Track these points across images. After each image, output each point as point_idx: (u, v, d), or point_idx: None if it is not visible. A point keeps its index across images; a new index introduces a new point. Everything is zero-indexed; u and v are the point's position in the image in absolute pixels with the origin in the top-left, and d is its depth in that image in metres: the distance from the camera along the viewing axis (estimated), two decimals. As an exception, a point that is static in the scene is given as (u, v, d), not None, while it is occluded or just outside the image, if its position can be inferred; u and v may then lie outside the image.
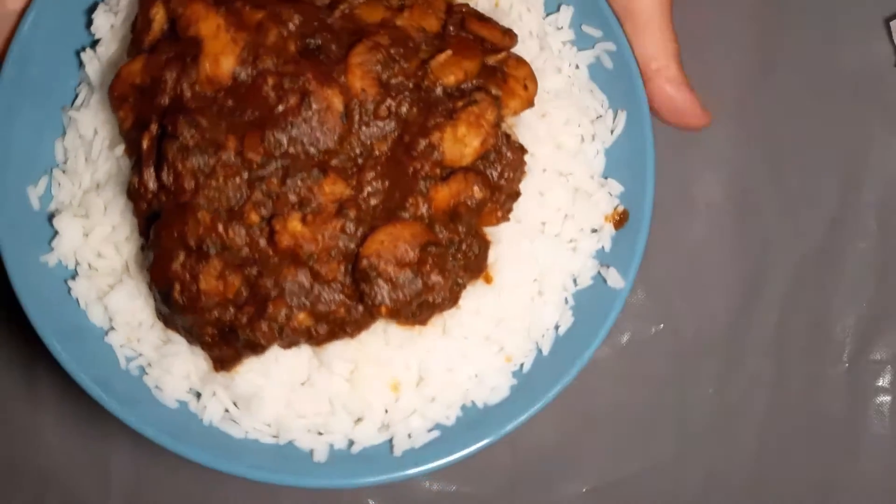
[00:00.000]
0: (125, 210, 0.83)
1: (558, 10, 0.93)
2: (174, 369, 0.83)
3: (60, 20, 0.87)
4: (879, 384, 1.10)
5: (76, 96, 0.88)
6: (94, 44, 0.87)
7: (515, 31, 0.90)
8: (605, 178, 0.92)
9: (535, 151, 0.89)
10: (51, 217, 0.85)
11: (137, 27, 0.80)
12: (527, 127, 0.89)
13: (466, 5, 0.87)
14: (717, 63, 1.14)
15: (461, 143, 0.81)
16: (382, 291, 0.78)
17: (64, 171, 0.86)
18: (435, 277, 0.79)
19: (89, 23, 0.88)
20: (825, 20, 1.13)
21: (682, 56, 1.00)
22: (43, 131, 0.87)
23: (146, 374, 0.84)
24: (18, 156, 0.86)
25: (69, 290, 0.84)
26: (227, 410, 0.84)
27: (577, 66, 0.93)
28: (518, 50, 0.89)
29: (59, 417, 1.09)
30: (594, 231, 0.91)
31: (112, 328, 0.84)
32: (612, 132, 0.92)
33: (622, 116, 0.92)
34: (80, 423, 1.09)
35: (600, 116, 0.93)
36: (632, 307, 1.13)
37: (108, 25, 0.86)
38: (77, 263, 0.85)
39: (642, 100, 0.90)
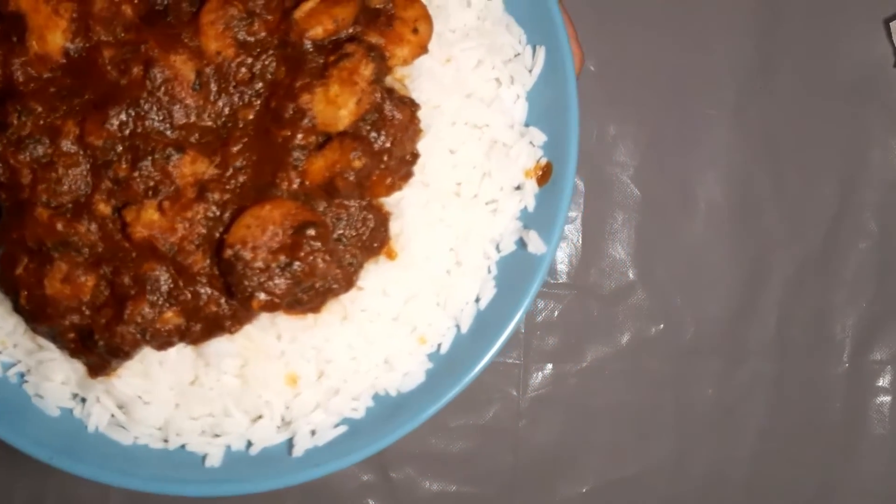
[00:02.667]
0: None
1: (460, -69, 0.84)
2: (52, 375, 0.79)
3: None
4: (879, 384, 1.15)
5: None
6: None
7: (413, -39, 0.81)
8: (528, 126, 0.84)
9: (441, 103, 0.81)
10: None
11: (-50, 4, 0.74)
12: (429, 76, 0.80)
13: None
14: (717, 63, 1.19)
15: (334, 104, 0.73)
16: (252, 283, 0.72)
17: None
18: (318, 262, 0.73)
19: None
20: (825, 20, 1.16)
21: (683, 56, 1.14)
22: None
23: (25, 381, 0.80)
24: None
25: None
26: (112, 416, 0.80)
27: (490, -2, 0.84)
28: (417, -18, 0.80)
29: None
30: (517, 189, 0.83)
31: (-26, 333, 0.81)
32: (530, 72, 0.83)
33: (540, 53, 0.82)
34: None
35: (518, 55, 0.84)
36: (632, 307, 1.18)
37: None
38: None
39: (561, 32, 0.81)
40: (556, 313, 1.19)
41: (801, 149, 1.17)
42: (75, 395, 0.81)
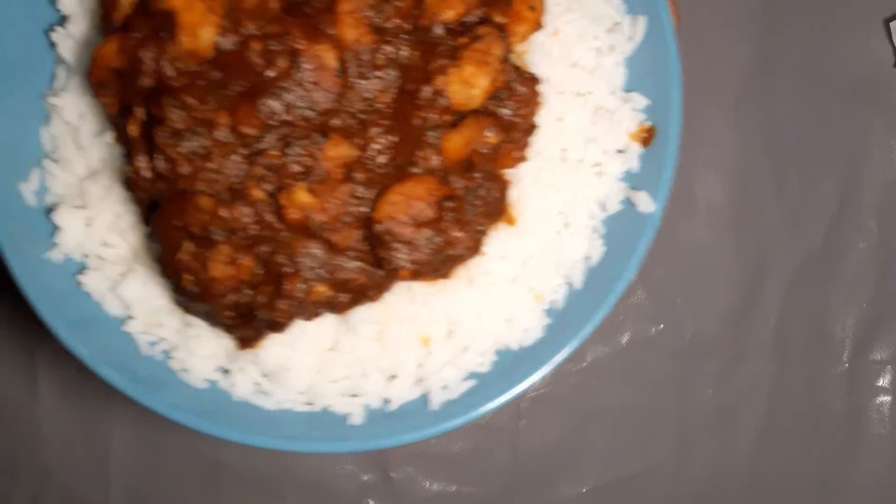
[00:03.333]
0: (126, 197, 0.83)
1: None
2: (199, 350, 0.85)
3: (20, 9, 0.85)
4: (879, 384, 1.14)
5: (54, 79, 0.87)
6: (63, 20, 0.85)
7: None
8: (628, 91, 0.90)
9: (550, 75, 0.87)
10: (49, 211, 0.86)
11: (105, 3, 0.78)
12: (539, 49, 0.86)
13: None
14: (717, 63, 1.16)
15: (468, 84, 0.79)
16: (401, 255, 0.79)
17: (55, 161, 0.86)
18: (455, 233, 0.80)
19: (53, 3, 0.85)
20: (825, 20, 1.15)
21: (683, 57, 1.00)
22: (27, 120, 0.86)
23: (171, 357, 0.86)
24: (3, 149, 0.85)
25: (79, 284, 0.86)
26: (257, 384, 0.86)
27: (589, -31, 0.90)
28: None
29: (59, 416, 1.11)
30: (620, 152, 0.90)
31: (130, 317, 0.86)
32: (630, 40, 0.89)
33: (641, 22, 0.89)
34: (80, 423, 1.12)
35: (617, 24, 0.90)
36: (632, 307, 1.16)
37: (76, 1, 0.84)
38: (84, 256, 0.86)
39: (661, 4, 0.87)
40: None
41: (801, 149, 1.15)
42: (217, 368, 0.87)
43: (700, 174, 1.16)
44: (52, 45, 0.86)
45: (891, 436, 1.13)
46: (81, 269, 0.86)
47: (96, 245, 0.86)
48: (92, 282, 0.86)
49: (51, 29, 0.86)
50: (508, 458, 1.15)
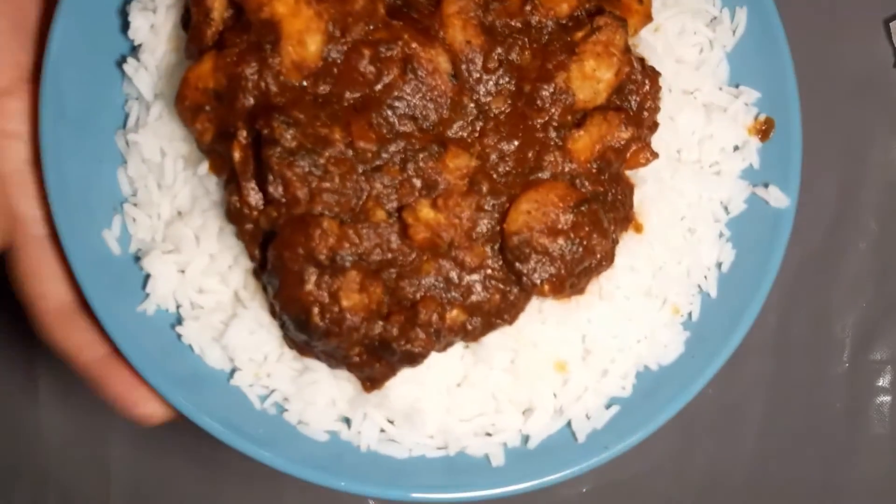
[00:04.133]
0: (221, 235, 0.77)
1: None
2: (317, 399, 0.78)
3: (89, 29, 0.79)
4: (879, 384, 1.13)
5: (127, 116, 0.81)
6: (135, 50, 0.80)
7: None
8: (736, 85, 0.86)
9: (660, 70, 0.82)
10: (137, 259, 0.79)
11: (193, 21, 0.73)
12: (645, 46, 0.83)
13: None
14: None
15: (592, 79, 0.75)
16: (542, 267, 0.73)
17: (136, 205, 0.80)
18: (596, 239, 0.74)
19: (125, 26, 0.80)
20: (825, 20, 1.15)
21: None
22: (101, 163, 0.80)
23: (286, 410, 0.79)
24: (81, 196, 0.79)
25: (179, 336, 0.78)
26: (383, 431, 0.79)
27: (680, -44, 0.87)
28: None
29: (59, 418, 1.11)
30: (736, 149, 0.86)
31: (236, 368, 0.79)
32: (733, 33, 0.86)
33: (742, 14, 0.85)
34: (80, 423, 1.10)
35: (715, 18, 0.87)
36: None
37: (148, 25, 0.79)
38: (178, 305, 0.79)
39: (766, -12, 0.84)
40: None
41: (802, 149, 1.18)
42: (338, 417, 0.79)
43: None
44: (125, 77, 0.80)
45: (891, 436, 1.13)
46: (178, 320, 0.79)
47: (192, 292, 0.79)
48: (191, 333, 0.78)
49: (122, 60, 0.80)
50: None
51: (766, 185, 0.84)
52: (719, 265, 0.85)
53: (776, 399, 1.14)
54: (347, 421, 0.79)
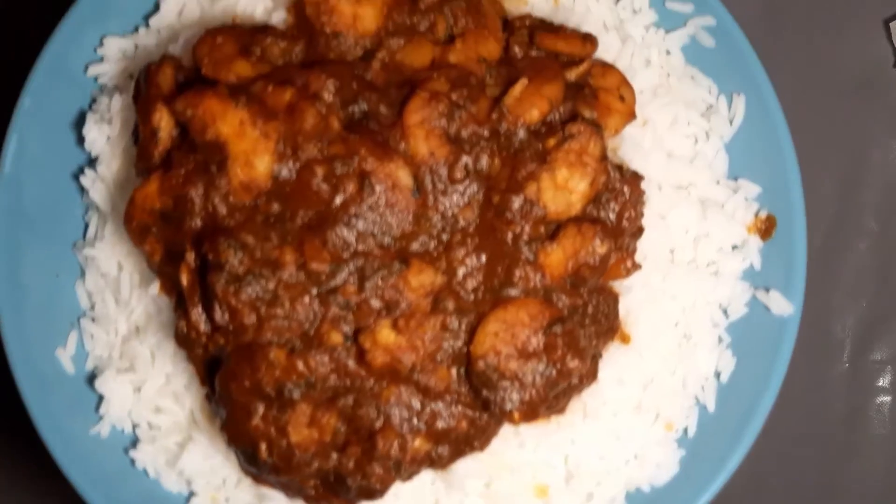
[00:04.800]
0: (177, 355, 0.74)
1: (631, -11, 0.81)
2: (279, 528, 0.73)
3: (46, 140, 0.78)
4: (879, 384, 1.13)
5: (86, 227, 0.79)
6: (92, 162, 0.78)
7: (585, 26, 0.79)
8: (735, 179, 0.81)
9: (645, 168, 0.77)
10: (91, 379, 0.76)
11: (140, 139, 0.70)
12: (630, 142, 0.78)
13: (528, 16, 0.76)
14: None
15: (565, 189, 0.70)
16: (511, 394, 0.68)
17: (93, 320, 0.77)
18: (571, 362, 0.69)
19: (81, 138, 0.77)
20: (825, 20, 1.15)
21: None
22: (58, 274, 0.78)
23: (248, 541, 0.75)
24: (36, 309, 0.77)
25: (132, 461, 0.75)
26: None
27: (669, 52, 0.82)
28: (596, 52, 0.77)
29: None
30: (735, 248, 0.80)
31: (193, 493, 0.75)
32: (731, 123, 0.80)
33: (740, 102, 0.80)
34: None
35: (711, 107, 0.82)
36: None
37: (104, 138, 0.77)
38: (135, 426, 0.76)
39: (762, 78, 0.79)
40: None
41: (801, 149, 1.09)
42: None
43: None
44: (82, 189, 0.77)
45: (891, 436, 1.12)
46: (133, 442, 0.76)
47: (148, 413, 0.76)
48: (146, 456, 0.76)
49: (80, 172, 0.78)
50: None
51: (767, 290, 0.78)
52: (718, 375, 0.79)
53: (776, 399, 1.10)
54: (313, 549, 0.75)
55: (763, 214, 0.80)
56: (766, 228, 0.80)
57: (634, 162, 0.77)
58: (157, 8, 0.79)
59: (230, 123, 0.66)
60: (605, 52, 0.79)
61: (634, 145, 0.78)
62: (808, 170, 1.10)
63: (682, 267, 0.79)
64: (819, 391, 1.10)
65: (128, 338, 0.76)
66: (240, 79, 0.68)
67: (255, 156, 0.66)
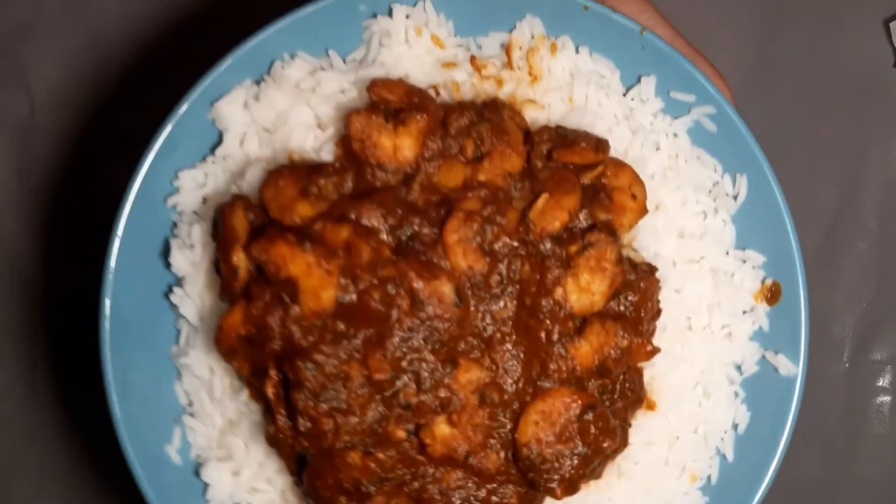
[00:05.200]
0: (267, 447, 0.86)
1: (639, 81, 0.90)
2: None
3: (138, 263, 0.89)
4: (879, 384, 1.13)
5: (178, 334, 0.91)
6: (179, 281, 0.89)
7: (598, 120, 0.88)
8: (742, 248, 0.90)
9: (660, 250, 0.87)
10: (196, 469, 0.89)
11: (223, 275, 0.82)
12: (646, 228, 0.87)
13: (546, 129, 0.85)
14: (717, 63, 1.12)
15: (587, 291, 0.80)
16: (553, 475, 0.79)
17: (192, 415, 0.90)
18: (604, 442, 0.80)
19: (167, 263, 0.89)
20: (825, 21, 1.15)
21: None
22: (159, 378, 0.90)
23: None
24: (142, 406, 0.89)
25: (238, 535, 0.89)
26: None
27: (676, 135, 0.90)
28: (609, 140, 0.86)
29: (59, 418, 1.13)
30: (745, 312, 0.90)
31: (295, 568, 0.88)
32: (735, 199, 0.89)
33: (742, 181, 0.89)
34: (80, 424, 1.14)
35: (717, 184, 0.90)
36: None
37: (188, 262, 0.88)
38: (236, 504, 0.89)
39: (760, 160, 0.87)
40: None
41: (802, 148, 1.14)
42: None
43: None
44: (173, 305, 0.89)
45: (891, 436, 1.12)
46: (239, 525, 0.89)
47: (246, 493, 0.88)
48: (252, 538, 0.88)
49: (169, 290, 0.90)
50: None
51: (776, 352, 0.88)
52: (735, 426, 0.89)
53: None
54: None
55: (769, 283, 0.89)
56: (772, 295, 0.89)
57: (651, 245, 0.87)
58: (220, 140, 0.90)
59: (298, 265, 0.77)
60: (618, 141, 0.87)
61: (650, 230, 0.87)
62: (808, 169, 1.14)
63: (698, 333, 0.88)
64: (819, 391, 1.10)
65: (224, 431, 0.89)
66: (302, 219, 0.80)
67: (321, 290, 0.78)
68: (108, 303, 0.87)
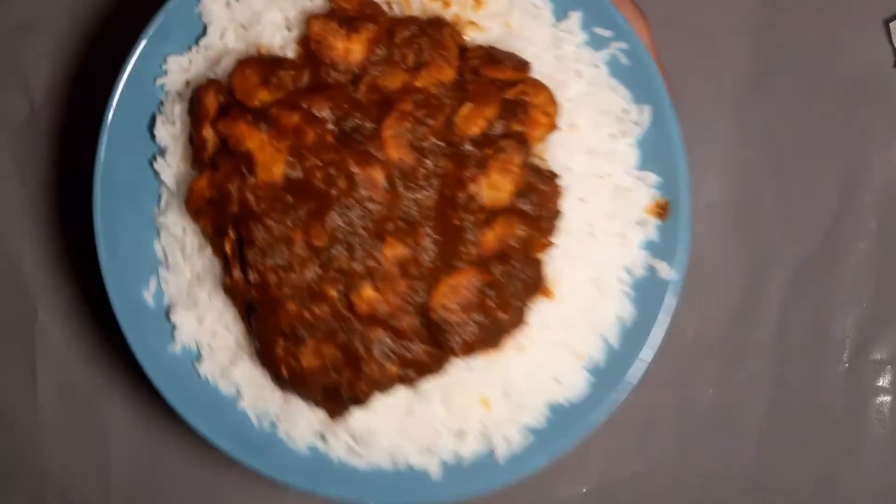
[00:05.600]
0: (226, 298, 1.02)
1: (567, 16, 1.03)
2: (298, 421, 1.03)
3: (128, 135, 1.04)
4: (879, 384, 1.14)
5: (160, 198, 1.06)
6: (163, 152, 1.05)
7: (530, 45, 1.01)
8: (642, 170, 1.04)
9: (570, 163, 1.01)
10: (167, 312, 1.06)
11: (195, 146, 0.97)
12: (558, 144, 1.01)
13: (479, 48, 0.99)
14: (717, 63, 1.18)
15: (496, 188, 0.95)
16: (455, 337, 0.95)
17: (167, 269, 1.06)
18: (501, 315, 0.95)
19: (153, 135, 1.05)
20: (825, 20, 1.15)
21: (684, 57, 1.08)
22: (140, 234, 1.06)
23: (277, 427, 1.05)
24: (126, 259, 1.05)
25: (197, 372, 1.05)
26: (350, 447, 1.04)
27: (596, 66, 1.04)
28: (536, 63, 1.00)
29: (59, 416, 1.14)
30: (640, 224, 1.04)
31: (240, 395, 1.05)
32: (638, 125, 1.03)
33: (646, 111, 1.02)
34: (80, 423, 1.16)
35: (626, 111, 1.04)
36: None
37: (170, 136, 1.03)
38: (199, 346, 1.06)
39: (662, 95, 1.00)
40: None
41: (801, 149, 1.15)
42: (315, 434, 1.05)
43: (700, 175, 1.17)
44: (156, 172, 1.05)
45: (891, 436, 1.12)
46: (197, 357, 1.06)
47: (207, 337, 1.05)
48: (206, 369, 1.05)
49: (153, 159, 1.05)
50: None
51: (660, 260, 1.02)
52: (622, 320, 1.04)
53: (776, 399, 1.16)
54: (323, 438, 1.05)
55: (661, 200, 1.03)
56: (661, 212, 1.02)
57: (562, 159, 1.00)
58: (204, 32, 1.04)
59: (254, 141, 0.92)
60: (543, 65, 0.99)
61: (563, 146, 1.00)
62: (808, 170, 1.15)
63: (597, 238, 1.02)
64: (819, 391, 1.12)
65: (192, 283, 1.05)
66: (262, 104, 0.94)
67: (272, 164, 0.93)
68: (102, 162, 1.02)
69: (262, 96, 0.94)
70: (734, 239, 1.19)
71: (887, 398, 1.14)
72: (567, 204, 1.00)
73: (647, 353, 1.01)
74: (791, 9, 1.16)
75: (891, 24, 1.14)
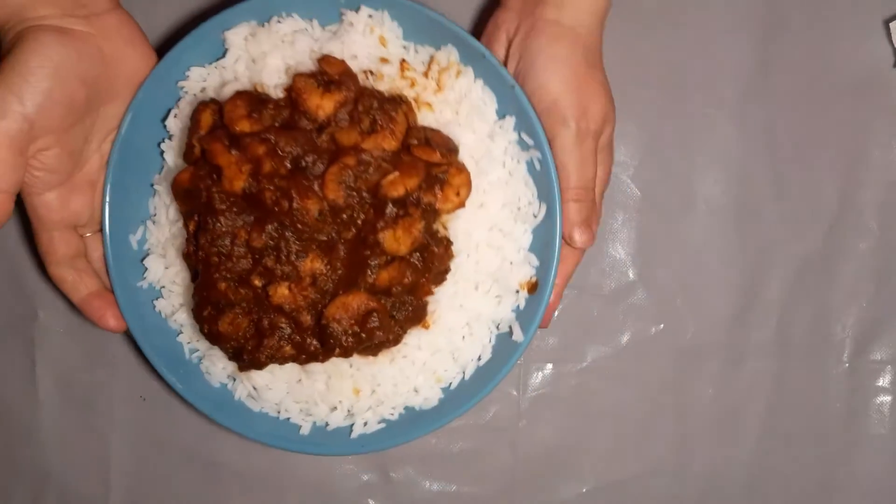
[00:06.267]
0: (184, 261, 1.31)
1: (504, 117, 1.27)
2: (217, 363, 1.33)
3: (146, 121, 1.31)
4: (879, 384, 1.15)
5: (161, 169, 1.35)
6: (170, 138, 1.33)
7: (471, 132, 1.26)
8: (530, 252, 1.29)
9: (472, 232, 1.26)
10: (143, 257, 1.36)
11: (186, 145, 1.25)
12: (465, 216, 1.26)
13: (422, 129, 1.23)
14: (717, 63, 1.19)
15: (397, 241, 1.21)
16: (336, 342, 1.22)
17: (154, 223, 1.35)
18: (378, 334, 1.22)
19: (164, 124, 1.33)
20: (825, 21, 1.16)
21: (684, 56, 1.11)
22: (144, 194, 1.35)
23: (201, 363, 1.35)
24: (128, 211, 1.34)
25: (154, 306, 1.35)
26: (250, 393, 1.33)
27: (518, 162, 1.28)
28: (471, 149, 1.25)
29: (59, 416, 1.16)
30: (517, 291, 1.29)
31: (181, 332, 1.35)
32: (535, 217, 1.27)
33: (543, 208, 1.26)
34: (80, 423, 1.19)
35: (530, 202, 1.28)
36: (632, 307, 1.21)
37: (177, 128, 1.31)
38: (160, 287, 1.35)
39: (555, 199, 1.24)
40: (556, 313, 1.22)
41: (802, 149, 1.14)
42: (228, 376, 1.35)
43: (700, 174, 1.18)
44: (161, 152, 1.34)
45: (891, 436, 1.13)
46: (157, 296, 1.36)
47: (167, 282, 1.34)
48: (161, 306, 1.35)
49: (161, 141, 1.33)
50: (508, 458, 1.21)
51: (519, 325, 1.27)
52: (478, 361, 1.30)
53: (776, 399, 1.16)
54: (234, 380, 1.35)
55: (533, 279, 1.27)
56: (532, 288, 1.27)
57: (468, 228, 1.26)
58: (224, 54, 1.31)
59: (224, 160, 1.19)
60: (476, 150, 1.21)
61: (470, 219, 1.25)
62: (808, 170, 1.13)
63: (480, 293, 1.28)
64: (819, 391, 1.12)
65: (168, 240, 1.34)
66: (241, 132, 1.21)
67: (235, 180, 1.20)
68: (122, 135, 1.30)
69: (243, 125, 1.21)
70: (734, 239, 1.18)
71: (887, 398, 1.13)
72: (464, 263, 1.26)
73: (485, 392, 1.27)
74: (791, 9, 1.15)
75: (891, 24, 1.12)
